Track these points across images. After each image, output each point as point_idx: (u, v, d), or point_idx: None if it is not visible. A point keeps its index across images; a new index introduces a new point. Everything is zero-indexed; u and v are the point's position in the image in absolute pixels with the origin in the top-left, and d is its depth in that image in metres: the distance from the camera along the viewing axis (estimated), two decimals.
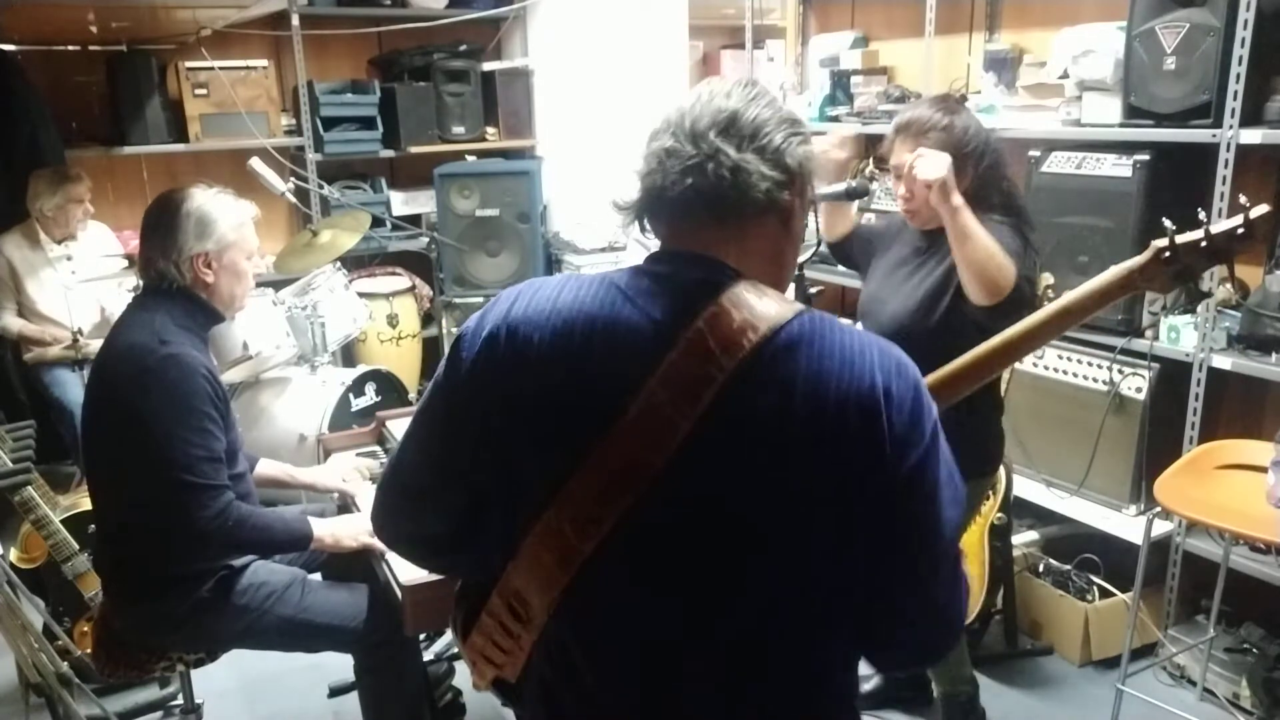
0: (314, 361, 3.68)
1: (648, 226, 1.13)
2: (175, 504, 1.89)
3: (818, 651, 1.09)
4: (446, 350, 1.16)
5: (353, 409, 3.60)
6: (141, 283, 2.09)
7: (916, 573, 1.05)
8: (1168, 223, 1.44)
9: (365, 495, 2.31)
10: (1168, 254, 1.42)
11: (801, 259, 2.14)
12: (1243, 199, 1.43)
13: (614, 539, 1.02)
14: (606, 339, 1.04)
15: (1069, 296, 1.46)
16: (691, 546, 1.03)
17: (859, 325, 2.36)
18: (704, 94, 1.09)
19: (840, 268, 3.62)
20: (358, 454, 2.53)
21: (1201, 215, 1.45)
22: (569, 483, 1.03)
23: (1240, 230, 1.40)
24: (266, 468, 2.34)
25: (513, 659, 1.15)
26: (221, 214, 2.04)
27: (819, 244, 2.54)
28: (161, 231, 2.01)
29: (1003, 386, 2.33)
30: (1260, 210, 1.41)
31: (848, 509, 1.00)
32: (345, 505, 2.34)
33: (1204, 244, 1.42)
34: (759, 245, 1.09)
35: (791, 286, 2.13)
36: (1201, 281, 1.46)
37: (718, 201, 1.05)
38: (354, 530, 2.08)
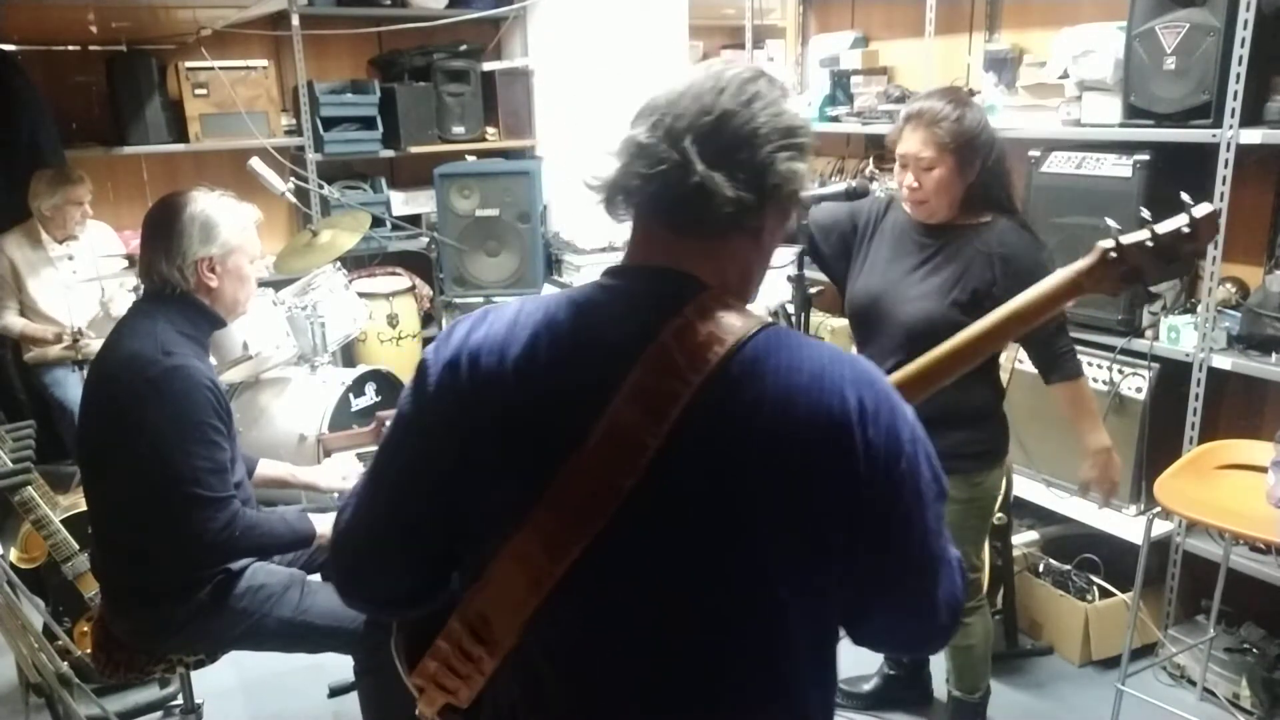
0: (314, 361, 3.68)
1: (616, 215, 1.07)
2: (184, 517, 1.88)
3: (795, 665, 1.06)
4: (410, 382, 1.11)
5: (353, 409, 3.60)
6: (140, 282, 2.07)
7: (913, 574, 1.04)
8: (1111, 223, 1.44)
9: None
10: (1114, 255, 1.41)
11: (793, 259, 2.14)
12: (1186, 197, 1.42)
13: (587, 559, 0.99)
14: (570, 359, 1.02)
15: (1017, 301, 1.45)
16: (665, 565, 1.00)
17: (847, 322, 2.35)
18: (699, 83, 1.02)
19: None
20: (358, 454, 2.53)
21: (1145, 214, 1.44)
22: (539, 506, 1.00)
23: (1186, 230, 1.39)
24: (267, 468, 2.33)
25: (468, 684, 1.10)
26: (225, 217, 2.02)
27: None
28: (164, 236, 1.98)
29: (1004, 377, 2.34)
30: (1204, 210, 1.39)
31: (825, 521, 0.98)
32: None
33: (1150, 244, 1.40)
34: (723, 258, 1.05)
35: (790, 287, 2.15)
36: (1149, 282, 1.46)
37: (677, 214, 1.01)
38: None
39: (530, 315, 1.05)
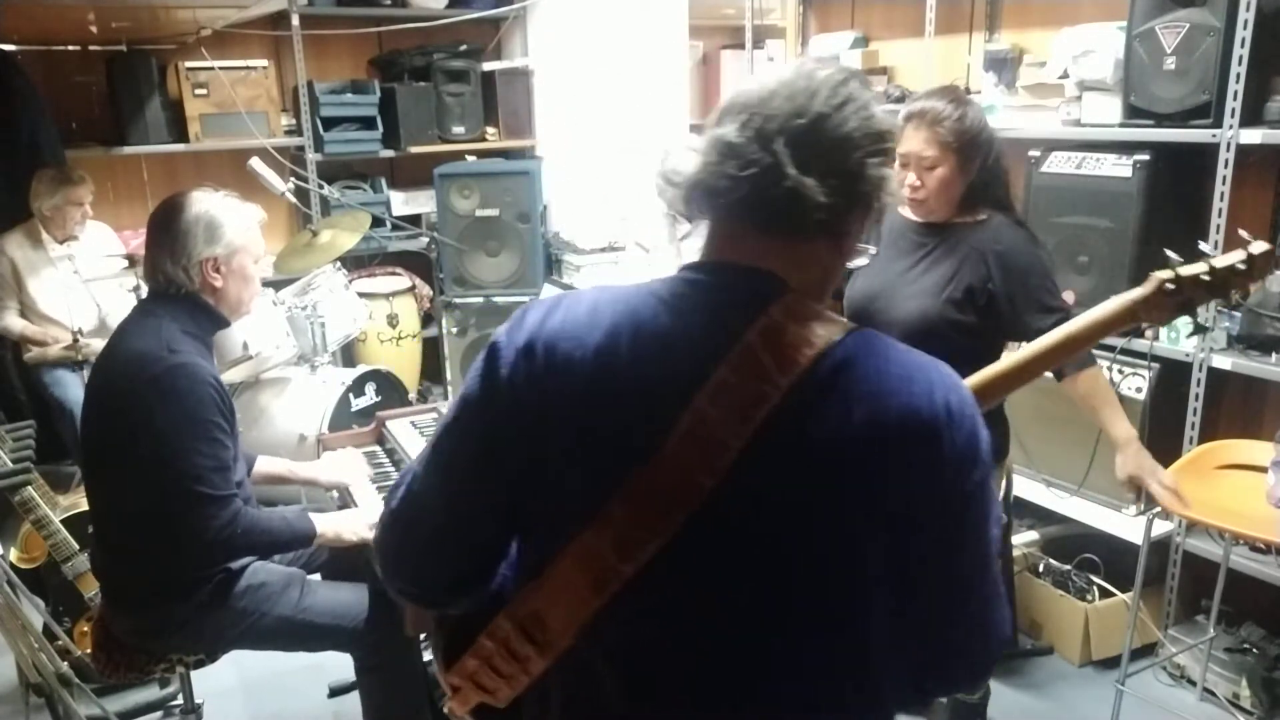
0: (314, 361, 3.69)
1: (692, 213, 1.05)
2: (185, 515, 1.89)
3: (862, 676, 1.04)
4: (479, 364, 1.06)
5: (353, 409, 3.61)
6: (141, 283, 2.08)
7: (967, 592, 1.03)
8: (1171, 254, 1.44)
9: (364, 489, 2.32)
10: (1170, 286, 1.43)
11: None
12: (1244, 234, 1.44)
13: (657, 561, 0.97)
14: (652, 354, 0.99)
15: (1073, 325, 1.47)
16: (739, 568, 0.98)
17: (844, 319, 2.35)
18: (791, 83, 0.99)
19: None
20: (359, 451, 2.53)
21: (1204, 247, 1.46)
22: (611, 504, 0.97)
23: (1241, 265, 1.42)
24: (267, 464, 2.33)
25: (510, 684, 1.08)
26: (230, 218, 2.03)
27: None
28: (169, 236, 1.99)
29: None
30: (1261, 247, 1.42)
31: (904, 529, 0.97)
32: (345, 501, 2.34)
33: (1206, 277, 1.42)
34: (807, 260, 1.03)
35: None
36: (1199, 315, 1.51)
37: (767, 217, 0.99)
38: (354, 524, 2.09)
39: (610, 305, 1.03)
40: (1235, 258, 1.42)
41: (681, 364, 0.98)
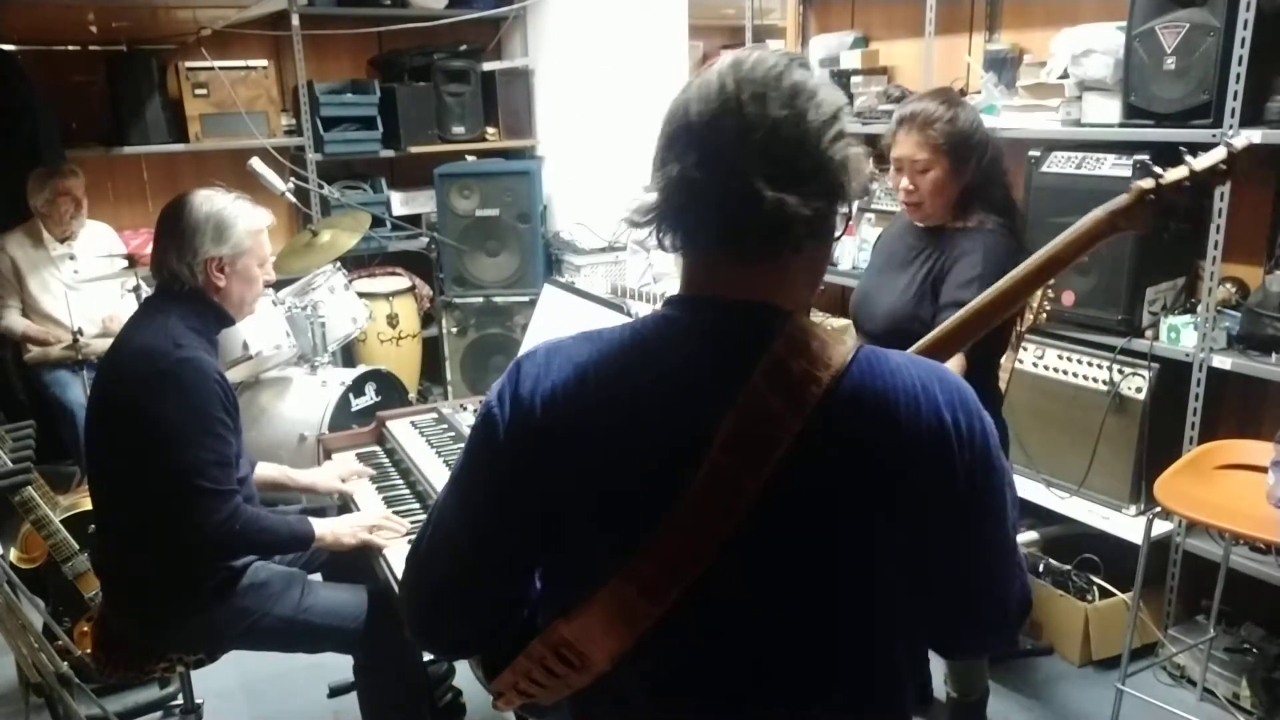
0: (314, 361, 3.69)
1: (666, 244, 1.01)
2: (185, 508, 1.90)
3: (896, 690, 1.07)
4: (478, 425, 1.05)
5: (353, 409, 3.61)
6: (142, 283, 2.09)
7: (989, 581, 1.05)
8: (1151, 164, 1.42)
9: (363, 495, 2.32)
10: (1151, 195, 1.41)
11: None
12: (1229, 134, 1.41)
13: (685, 601, 0.98)
14: (657, 408, 0.98)
15: (1055, 243, 1.46)
16: (765, 604, 1.00)
17: (844, 320, 2.38)
18: (731, 94, 0.93)
19: (839, 266, 3.65)
20: (357, 454, 2.53)
21: (1185, 153, 1.44)
22: (636, 556, 0.97)
23: (1223, 165, 1.40)
24: (265, 470, 2.34)
25: (551, 692, 1.10)
26: (239, 219, 2.04)
27: None
28: (178, 232, 2.01)
29: (1002, 382, 2.33)
30: (1243, 142, 1.41)
31: (924, 532, 0.98)
32: (344, 505, 2.34)
33: (1188, 183, 1.41)
34: (796, 274, 1.01)
35: None
36: (1180, 217, 1.48)
37: (755, 245, 0.95)
38: (353, 528, 2.09)
39: (605, 360, 1.00)
40: (1216, 157, 1.40)
41: (688, 417, 0.96)
